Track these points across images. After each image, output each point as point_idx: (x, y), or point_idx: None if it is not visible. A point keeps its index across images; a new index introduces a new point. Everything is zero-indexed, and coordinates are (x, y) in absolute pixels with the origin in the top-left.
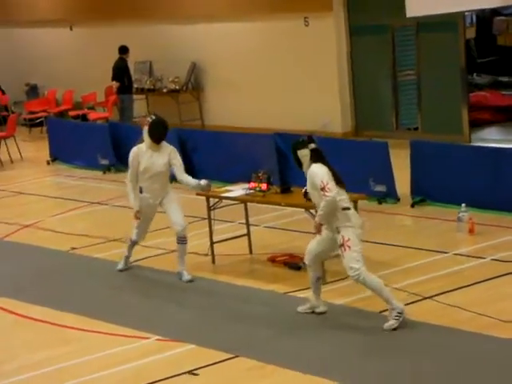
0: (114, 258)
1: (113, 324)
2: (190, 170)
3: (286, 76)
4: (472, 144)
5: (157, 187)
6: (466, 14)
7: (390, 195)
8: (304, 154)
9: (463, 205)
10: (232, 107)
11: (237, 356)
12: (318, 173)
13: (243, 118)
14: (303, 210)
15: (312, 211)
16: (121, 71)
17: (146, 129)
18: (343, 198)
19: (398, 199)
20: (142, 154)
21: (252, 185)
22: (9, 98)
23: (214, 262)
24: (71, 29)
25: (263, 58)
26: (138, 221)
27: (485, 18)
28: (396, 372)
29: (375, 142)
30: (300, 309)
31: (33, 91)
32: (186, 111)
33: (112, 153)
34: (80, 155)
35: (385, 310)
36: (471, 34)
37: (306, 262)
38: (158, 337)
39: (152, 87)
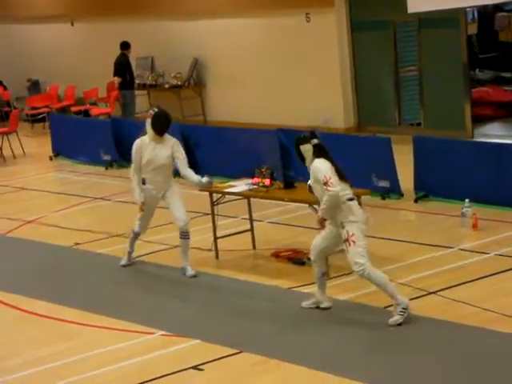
0: (117, 254)
1: (117, 319)
2: (193, 165)
3: (288, 72)
4: (475, 139)
5: (160, 180)
6: (468, 9)
7: (394, 191)
8: (307, 149)
9: (467, 200)
10: (234, 103)
11: (241, 351)
12: (321, 168)
13: (245, 114)
14: (307, 205)
15: (315, 206)
16: (123, 67)
17: (148, 121)
18: (346, 192)
19: (402, 195)
20: (145, 146)
21: (255, 180)
22: (11, 94)
23: (217, 257)
24: (72, 24)
25: (265, 53)
26: (141, 213)
27: (486, 13)
28: (401, 367)
29: (378, 138)
30: (304, 304)
31: (35, 87)
32: (188, 107)
33: (114, 148)
34: (82, 151)
35: (389, 306)
36: (473, 30)
37: (312, 258)
38: (162, 332)
39: (154, 83)
